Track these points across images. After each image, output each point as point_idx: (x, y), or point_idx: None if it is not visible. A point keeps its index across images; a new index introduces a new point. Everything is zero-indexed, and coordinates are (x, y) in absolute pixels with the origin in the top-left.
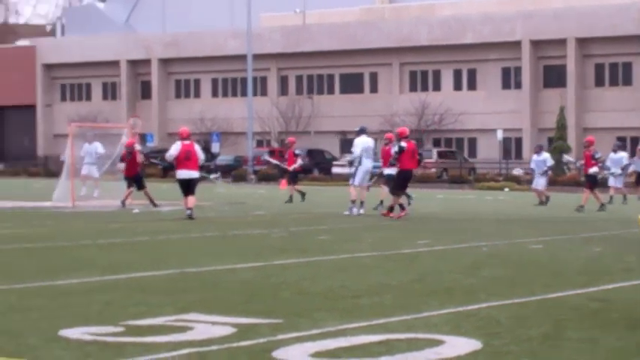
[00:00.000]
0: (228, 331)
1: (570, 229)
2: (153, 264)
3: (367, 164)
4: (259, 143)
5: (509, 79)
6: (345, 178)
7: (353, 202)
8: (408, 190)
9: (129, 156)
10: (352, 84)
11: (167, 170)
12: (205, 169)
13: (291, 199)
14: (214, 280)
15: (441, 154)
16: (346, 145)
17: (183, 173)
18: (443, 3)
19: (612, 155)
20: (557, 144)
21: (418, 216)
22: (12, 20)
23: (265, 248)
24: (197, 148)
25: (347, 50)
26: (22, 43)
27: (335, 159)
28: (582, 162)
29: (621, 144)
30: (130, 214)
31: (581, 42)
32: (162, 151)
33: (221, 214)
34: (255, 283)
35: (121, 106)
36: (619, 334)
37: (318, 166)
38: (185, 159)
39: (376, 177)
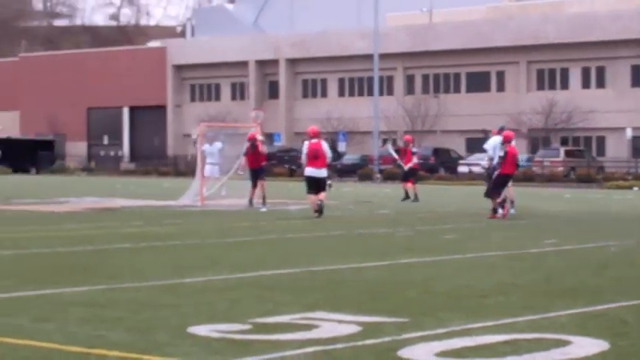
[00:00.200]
0: (354, 329)
1: None
2: (280, 262)
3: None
4: (385, 142)
5: (639, 76)
6: (471, 177)
7: (512, 202)
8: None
9: (252, 148)
10: (479, 83)
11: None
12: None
13: (415, 197)
14: (340, 278)
15: (568, 153)
16: (472, 145)
17: (311, 171)
18: (571, 0)
19: None
20: None
21: (545, 215)
22: (143, 22)
23: (391, 247)
24: (324, 146)
25: (473, 49)
26: (153, 44)
27: (461, 158)
28: None
29: None
30: (257, 212)
31: None
32: (289, 151)
33: (347, 213)
34: (380, 281)
35: (249, 106)
36: None
37: (444, 165)
38: (313, 157)
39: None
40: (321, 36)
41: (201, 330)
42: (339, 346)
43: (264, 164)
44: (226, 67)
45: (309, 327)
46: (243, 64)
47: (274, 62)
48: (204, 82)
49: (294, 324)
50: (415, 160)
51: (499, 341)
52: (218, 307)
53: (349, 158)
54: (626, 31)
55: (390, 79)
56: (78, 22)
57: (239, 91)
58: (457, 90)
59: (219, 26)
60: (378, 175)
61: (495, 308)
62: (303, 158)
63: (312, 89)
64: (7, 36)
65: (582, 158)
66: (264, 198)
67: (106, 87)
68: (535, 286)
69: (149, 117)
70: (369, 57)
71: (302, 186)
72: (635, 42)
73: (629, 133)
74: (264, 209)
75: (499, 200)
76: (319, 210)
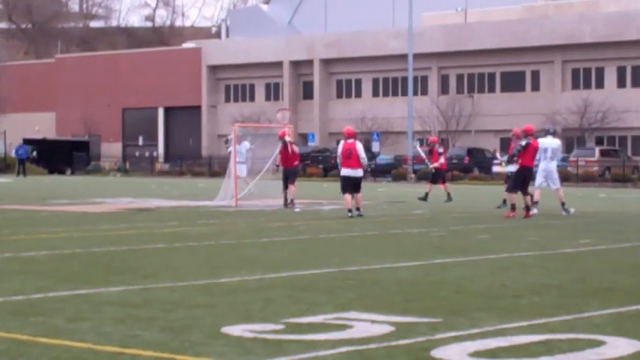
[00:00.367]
0: (387, 329)
1: None
2: (313, 262)
3: (544, 165)
4: (420, 142)
5: None
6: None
7: (535, 203)
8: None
9: (284, 147)
10: (513, 82)
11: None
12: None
13: (449, 197)
14: (373, 278)
15: (603, 153)
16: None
17: (346, 171)
18: None
19: None
20: None
21: (580, 215)
22: (178, 23)
23: (424, 247)
24: (359, 146)
25: (508, 48)
26: (188, 45)
27: (495, 158)
28: None
29: None
30: (291, 212)
31: None
32: (323, 151)
33: (381, 213)
34: (414, 281)
35: (283, 106)
36: None
37: (478, 165)
38: (347, 157)
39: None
40: (355, 36)
41: (235, 330)
42: (373, 346)
43: (297, 165)
44: (261, 67)
45: (342, 327)
46: (278, 65)
47: (309, 62)
48: (238, 82)
49: (328, 324)
50: (442, 160)
51: (533, 341)
52: (252, 307)
53: (383, 158)
54: None
55: (425, 78)
56: (114, 23)
57: (273, 92)
58: (492, 90)
59: (253, 27)
60: (412, 175)
61: (529, 308)
62: (338, 158)
63: (347, 89)
64: (44, 37)
65: (617, 158)
66: (292, 200)
67: (140, 88)
68: (569, 286)
69: (184, 117)
70: (403, 57)
71: (336, 186)
72: None
73: None
74: (297, 209)
75: (514, 201)
76: (350, 210)
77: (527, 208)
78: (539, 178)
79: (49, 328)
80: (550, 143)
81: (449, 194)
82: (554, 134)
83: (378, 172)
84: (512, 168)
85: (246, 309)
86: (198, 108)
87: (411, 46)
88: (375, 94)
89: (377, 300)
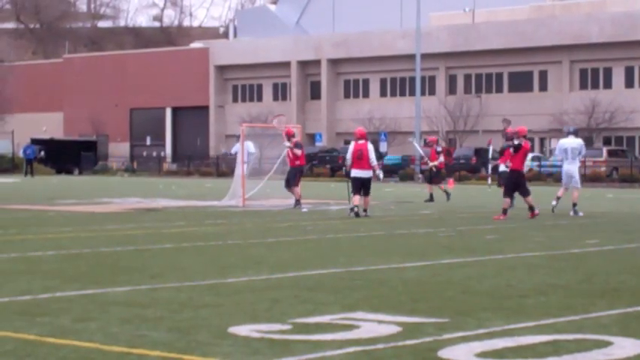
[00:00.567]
0: (394, 329)
1: None
2: (320, 262)
3: (566, 166)
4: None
5: None
6: None
7: (558, 198)
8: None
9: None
10: (521, 82)
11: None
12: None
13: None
14: (380, 278)
15: (611, 153)
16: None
17: (356, 172)
18: None
19: None
20: None
21: (587, 215)
22: (186, 23)
23: (431, 247)
24: (370, 148)
25: (516, 48)
26: (196, 45)
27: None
28: None
29: None
30: (299, 213)
31: None
32: (331, 151)
33: (388, 213)
34: (421, 282)
35: (291, 106)
36: None
37: (486, 165)
38: (357, 158)
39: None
40: (363, 36)
41: (242, 330)
42: (380, 346)
43: (300, 165)
44: (268, 67)
45: (349, 327)
46: (286, 65)
47: (316, 62)
48: (246, 82)
49: (335, 324)
50: (441, 158)
51: (540, 342)
52: (259, 307)
53: (390, 158)
54: None
55: (432, 79)
56: (121, 23)
57: (281, 92)
58: (499, 90)
59: (261, 27)
60: (420, 176)
61: (536, 308)
62: (348, 158)
63: (354, 89)
64: (52, 37)
65: (625, 158)
66: (298, 201)
67: (148, 88)
68: (576, 286)
69: (191, 117)
70: (411, 57)
71: (343, 186)
72: None
73: None
74: (304, 209)
75: (506, 205)
76: (357, 213)
77: (532, 209)
78: (564, 178)
79: (56, 328)
80: (570, 143)
81: (447, 193)
82: (575, 134)
83: (386, 172)
84: (504, 168)
85: (253, 309)
86: (205, 108)
87: (419, 46)
88: (383, 94)
89: (384, 300)
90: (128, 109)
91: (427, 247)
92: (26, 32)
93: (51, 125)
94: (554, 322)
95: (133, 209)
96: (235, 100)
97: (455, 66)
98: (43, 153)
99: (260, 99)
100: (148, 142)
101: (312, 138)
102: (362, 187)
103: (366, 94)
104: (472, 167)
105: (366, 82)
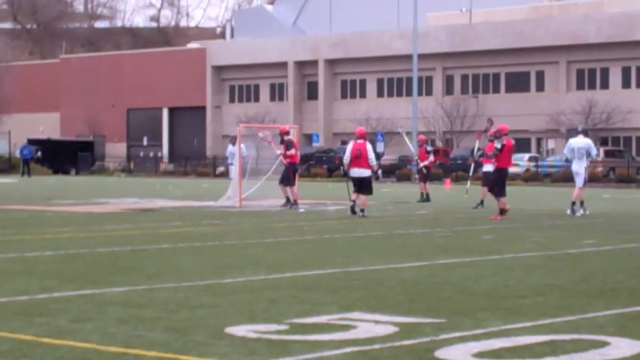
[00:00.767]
0: (391, 330)
1: None
2: (317, 263)
3: (573, 165)
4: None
5: None
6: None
7: (573, 203)
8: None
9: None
10: (518, 83)
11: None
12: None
13: (422, 197)
14: (378, 279)
15: (608, 153)
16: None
17: (355, 171)
18: (611, 0)
19: None
20: None
21: (584, 216)
22: (183, 24)
23: (428, 247)
24: (368, 147)
25: (513, 49)
26: (193, 45)
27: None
28: None
29: None
30: (295, 213)
31: None
32: (328, 151)
33: (385, 214)
34: (418, 282)
35: (288, 106)
36: None
37: (468, 166)
38: (356, 157)
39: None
40: (360, 36)
41: (239, 330)
42: (377, 346)
43: (291, 162)
44: (265, 67)
45: (346, 327)
46: (283, 65)
47: (313, 63)
48: (243, 82)
49: (332, 324)
50: (431, 158)
51: (537, 342)
52: (256, 307)
53: (387, 159)
54: None
55: (429, 79)
56: (118, 23)
57: (278, 92)
58: (496, 90)
59: (258, 27)
60: (417, 176)
61: (533, 309)
62: (347, 157)
63: (351, 90)
64: (49, 38)
65: (622, 158)
66: (287, 199)
67: (145, 88)
68: (573, 286)
69: (188, 118)
70: (408, 57)
71: (340, 186)
72: None
73: None
74: (302, 210)
75: (502, 205)
76: (354, 211)
77: (501, 212)
78: (575, 178)
79: (53, 328)
80: (577, 143)
81: (422, 194)
82: (584, 134)
83: (382, 172)
84: (489, 168)
85: (250, 309)
86: (202, 108)
87: (416, 46)
88: (380, 94)
89: (381, 300)
90: (125, 109)
91: (424, 247)
92: (23, 32)
93: (48, 125)
94: (551, 322)
95: (129, 209)
96: (232, 100)
97: (452, 66)
98: (39, 153)
99: (257, 99)
100: (145, 142)
101: (309, 138)
102: (359, 186)
103: (363, 95)
104: (469, 168)
105: (363, 83)
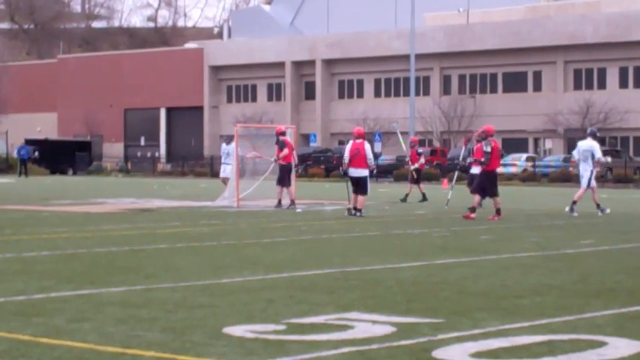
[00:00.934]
0: (389, 330)
1: None
2: (315, 263)
3: (580, 167)
4: (421, 143)
5: None
6: (508, 178)
7: (574, 202)
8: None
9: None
10: (515, 83)
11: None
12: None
13: (405, 198)
14: (375, 279)
15: (605, 153)
16: (508, 145)
17: (352, 171)
18: (609, 0)
19: None
20: None
21: (583, 216)
22: (180, 24)
23: (426, 247)
24: (367, 147)
25: (510, 49)
26: (190, 45)
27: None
28: None
29: None
30: (293, 213)
31: None
32: (325, 151)
33: (382, 214)
34: (415, 282)
35: (285, 106)
36: None
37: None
38: (354, 157)
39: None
40: (357, 36)
41: (237, 330)
42: (374, 346)
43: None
44: (263, 67)
45: (344, 328)
46: (280, 65)
47: (311, 63)
48: (240, 83)
49: (329, 324)
50: (422, 160)
51: (535, 342)
52: (253, 307)
53: (385, 159)
54: None
55: (427, 79)
56: (116, 23)
57: (275, 92)
58: (494, 90)
59: (255, 27)
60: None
61: (531, 309)
62: (346, 157)
63: (349, 90)
64: (46, 38)
65: (619, 158)
66: (279, 202)
67: (143, 88)
68: (571, 286)
69: (186, 118)
70: (405, 57)
71: (338, 186)
72: None
73: None
74: (299, 210)
75: (498, 205)
76: (351, 212)
77: (473, 210)
78: (580, 180)
79: (50, 328)
80: (582, 145)
81: (407, 195)
82: (592, 136)
83: (380, 172)
84: (476, 170)
85: (248, 309)
86: (200, 108)
87: (413, 46)
88: (377, 94)
89: (378, 300)
90: (122, 109)
91: (422, 247)
92: (20, 32)
93: (45, 125)
94: (549, 322)
95: (127, 209)
96: (230, 100)
97: (449, 66)
98: (37, 153)
99: (254, 99)
100: (143, 142)
101: (306, 138)
102: (357, 185)
103: (360, 95)
104: (466, 168)
105: (360, 83)
